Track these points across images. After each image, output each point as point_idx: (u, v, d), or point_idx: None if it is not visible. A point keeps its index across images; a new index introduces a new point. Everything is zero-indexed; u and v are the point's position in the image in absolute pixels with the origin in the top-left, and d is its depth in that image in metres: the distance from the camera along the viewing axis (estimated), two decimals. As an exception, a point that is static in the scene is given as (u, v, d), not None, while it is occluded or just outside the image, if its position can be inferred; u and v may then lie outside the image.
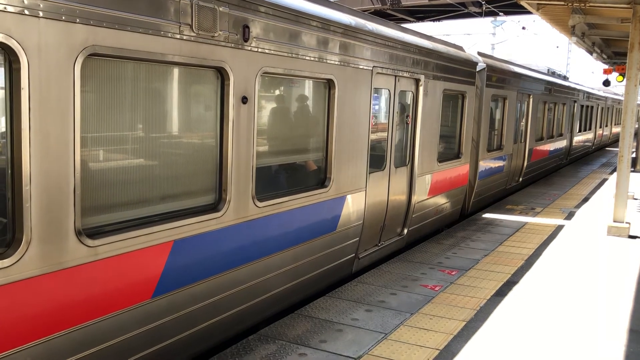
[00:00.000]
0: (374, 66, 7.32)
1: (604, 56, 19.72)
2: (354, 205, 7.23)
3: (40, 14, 3.46)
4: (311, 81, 6.45)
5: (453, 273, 7.84)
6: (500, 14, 25.06)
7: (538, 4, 11.55)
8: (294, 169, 6.61)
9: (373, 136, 7.58)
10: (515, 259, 8.62)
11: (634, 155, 19.74)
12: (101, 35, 3.84)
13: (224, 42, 4.87)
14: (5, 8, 3.26)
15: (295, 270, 6.25)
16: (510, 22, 36.52)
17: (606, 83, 22.08)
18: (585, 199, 14.48)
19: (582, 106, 23.54)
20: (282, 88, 6.27)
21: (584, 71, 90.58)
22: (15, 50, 3.36)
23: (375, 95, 7.60)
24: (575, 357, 5.42)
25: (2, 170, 3.51)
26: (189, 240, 4.73)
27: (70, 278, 3.82)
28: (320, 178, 6.67)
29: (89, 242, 3.91)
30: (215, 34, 4.76)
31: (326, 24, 6.26)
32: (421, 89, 8.64)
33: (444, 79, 9.46)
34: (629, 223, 10.48)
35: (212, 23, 4.71)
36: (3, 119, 3.50)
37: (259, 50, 5.30)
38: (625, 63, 14.20)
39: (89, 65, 3.89)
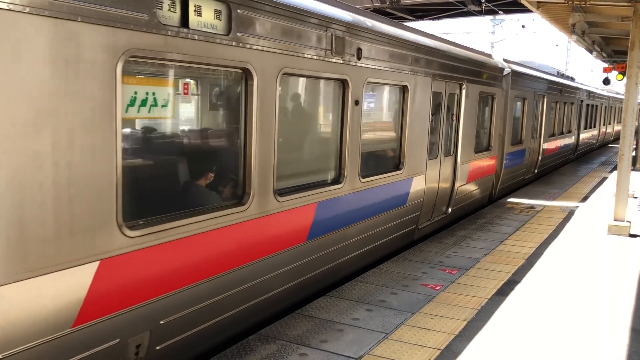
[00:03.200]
0: (432, 74, 9.09)
1: (604, 55, 19.69)
2: (417, 186, 9.03)
3: (265, 48, 5.37)
4: (394, 87, 8.26)
5: (454, 272, 7.82)
6: (499, 12, 25.02)
7: (538, 2, 11.52)
8: (381, 154, 8.46)
9: (431, 130, 9.32)
10: (516, 258, 8.60)
11: (634, 153, 19.75)
12: (289, 60, 5.75)
13: (347, 61, 6.72)
14: (247, 45, 5.12)
15: (379, 233, 8.07)
16: (510, 21, 36.49)
17: (606, 81, 22.06)
18: (586, 198, 14.46)
19: (587, 105, 25.21)
20: (376, 93, 8.07)
21: (584, 69, 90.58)
22: (252, 72, 5.25)
23: (433, 97, 9.29)
24: (577, 356, 5.40)
25: (238, 150, 5.43)
26: (324, 203, 6.62)
27: (270, 222, 5.70)
28: (396, 162, 8.45)
29: (279, 198, 5.80)
30: (343, 56, 6.63)
31: (407, 43, 8.15)
32: (463, 91, 10.43)
33: (480, 82, 11.27)
34: (630, 222, 10.45)
35: (342, 48, 6.60)
36: (241, 119, 5.40)
37: (366, 65, 7.11)
38: (625, 61, 14.17)
39: (282, 81, 5.74)
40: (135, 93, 4.34)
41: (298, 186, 6.28)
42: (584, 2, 10.37)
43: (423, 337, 5.67)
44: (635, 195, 14.21)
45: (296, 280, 6.29)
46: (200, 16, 4.62)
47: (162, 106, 4.70)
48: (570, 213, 12.30)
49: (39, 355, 3.65)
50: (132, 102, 4.31)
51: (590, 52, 18.22)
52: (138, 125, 4.76)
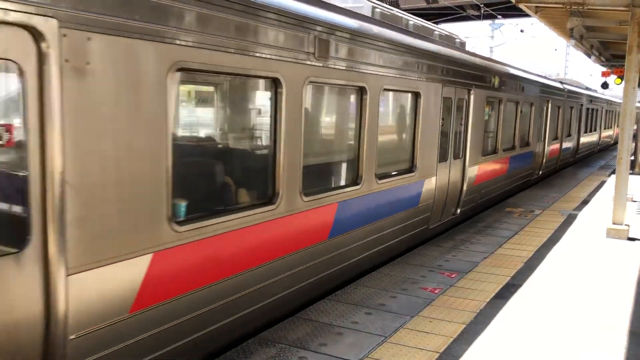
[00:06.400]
0: (539, 97, 16.39)
1: (602, 59, 19.75)
2: (531, 156, 16.47)
3: (505, 91, 12.74)
4: (530, 104, 15.48)
5: (453, 276, 7.84)
6: (498, 16, 25.11)
7: (536, 6, 11.58)
8: (523, 136, 15.46)
9: (543, 127, 17.46)
10: (515, 262, 8.62)
11: (632, 157, 19.86)
12: (509, 95, 13.23)
13: (520, 93, 14.28)
14: (503, 90, 12.72)
15: (523, 176, 16.03)
16: (509, 25, 36.63)
17: (604, 86, 22.13)
18: (585, 202, 14.48)
19: (606, 111, 32.48)
20: (532, 106, 15.56)
21: (583, 73, 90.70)
22: (503, 100, 12.76)
23: (536, 109, 16.40)
24: (576, 359, 5.41)
25: (497, 131, 13.16)
26: (514, 157, 14.40)
27: (502, 161, 13.33)
28: (526, 141, 15.77)
29: (502, 153, 13.36)
30: (521, 92, 14.51)
31: (535, 82, 15.79)
32: (550, 105, 17.69)
33: (554, 100, 18.22)
34: (628, 225, 10.48)
35: (520, 89, 14.33)
36: (496, 121, 12.82)
37: (525, 94, 14.55)
38: (623, 66, 14.20)
39: (505, 104, 13.02)
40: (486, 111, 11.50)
41: (505, 148, 13.46)
42: (581, 7, 10.42)
43: (422, 340, 5.69)
44: (634, 199, 14.23)
45: (503, 191, 14.00)
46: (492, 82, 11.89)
47: (486, 116, 11.61)
48: (570, 216, 12.32)
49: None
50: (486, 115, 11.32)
51: (589, 56, 18.29)
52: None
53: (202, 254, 4.69)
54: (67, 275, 3.62)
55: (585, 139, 25.74)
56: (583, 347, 5.71)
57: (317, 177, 6.55)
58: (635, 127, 23.72)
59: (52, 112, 3.46)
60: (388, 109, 8.20)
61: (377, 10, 8.07)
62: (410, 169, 8.60)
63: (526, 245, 9.72)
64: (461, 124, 10.45)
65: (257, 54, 5.07)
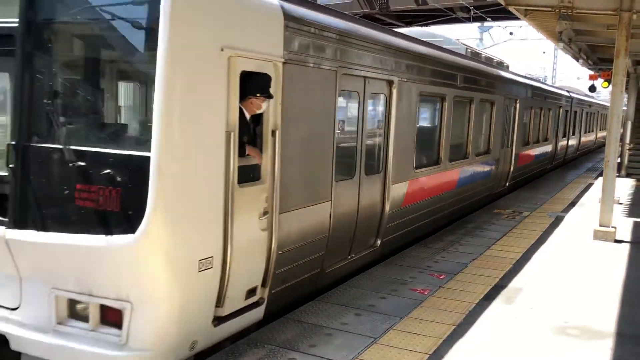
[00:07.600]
0: (555, 104, 20.19)
1: (590, 62, 19.93)
2: (555, 148, 21.64)
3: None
4: (551, 107, 19.84)
5: (442, 277, 7.86)
6: (487, 19, 25.24)
7: (526, 9, 11.65)
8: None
9: (556, 128, 21.26)
10: (504, 263, 8.66)
11: (618, 160, 20.08)
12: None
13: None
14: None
15: (554, 156, 22.21)
16: (498, 28, 36.75)
17: (592, 89, 22.36)
18: (572, 204, 14.58)
19: (601, 114, 37.96)
20: (550, 111, 19.79)
21: (571, 76, 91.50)
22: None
23: (554, 113, 20.58)
24: (564, 360, 5.45)
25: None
26: (538, 150, 18.84)
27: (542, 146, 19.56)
28: (545, 137, 19.67)
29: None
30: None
31: (557, 94, 21.68)
32: (561, 110, 21.53)
33: (563, 106, 21.97)
34: (615, 227, 10.56)
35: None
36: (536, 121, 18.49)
37: (546, 101, 19.06)
38: (610, 69, 14.33)
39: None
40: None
41: (533, 142, 17.82)
42: (570, 10, 10.50)
43: (412, 341, 5.70)
44: (620, 201, 14.35)
45: (529, 174, 18.32)
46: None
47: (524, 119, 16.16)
48: (557, 219, 12.40)
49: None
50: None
51: (577, 59, 18.43)
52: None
53: (420, 184, 9.36)
54: (392, 185, 8.31)
55: (585, 138, 30.94)
56: (570, 348, 5.74)
57: (453, 152, 10.90)
58: (621, 130, 24.67)
59: (392, 116, 8.09)
60: (481, 112, 12.51)
61: (469, 50, 13.35)
62: (488, 151, 13.13)
63: (515, 246, 9.77)
64: (510, 123, 14.80)
65: (440, 85, 9.74)
